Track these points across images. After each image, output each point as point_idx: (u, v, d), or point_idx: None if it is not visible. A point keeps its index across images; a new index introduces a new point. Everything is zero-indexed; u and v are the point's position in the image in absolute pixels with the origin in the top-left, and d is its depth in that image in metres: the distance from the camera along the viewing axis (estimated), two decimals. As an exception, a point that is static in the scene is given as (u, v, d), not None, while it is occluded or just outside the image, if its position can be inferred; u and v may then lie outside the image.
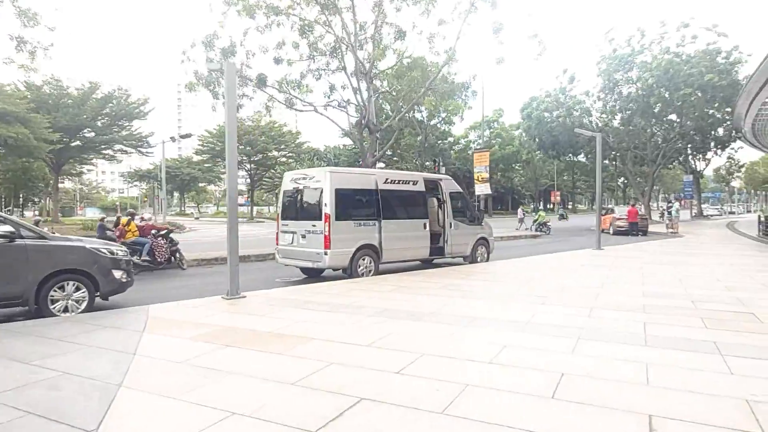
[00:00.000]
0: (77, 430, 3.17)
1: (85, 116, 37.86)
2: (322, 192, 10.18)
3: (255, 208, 66.26)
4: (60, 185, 70.44)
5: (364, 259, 10.53)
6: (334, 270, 10.73)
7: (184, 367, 4.39)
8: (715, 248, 17.39)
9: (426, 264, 12.72)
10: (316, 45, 21.31)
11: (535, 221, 27.86)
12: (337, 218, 10.05)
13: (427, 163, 58.83)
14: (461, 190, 13.14)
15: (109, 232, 13.09)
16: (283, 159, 61.24)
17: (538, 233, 26.45)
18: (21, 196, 66.53)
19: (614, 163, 51.36)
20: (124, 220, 12.90)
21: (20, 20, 16.32)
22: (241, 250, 16.60)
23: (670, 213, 27.29)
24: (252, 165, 59.63)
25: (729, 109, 32.23)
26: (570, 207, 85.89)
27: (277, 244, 11.29)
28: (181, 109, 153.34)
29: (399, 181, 11.56)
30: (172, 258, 13.04)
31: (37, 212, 65.44)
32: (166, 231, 13.48)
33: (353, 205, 10.52)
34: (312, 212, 10.42)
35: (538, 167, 73.61)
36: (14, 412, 3.41)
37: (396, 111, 23.85)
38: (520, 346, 5.07)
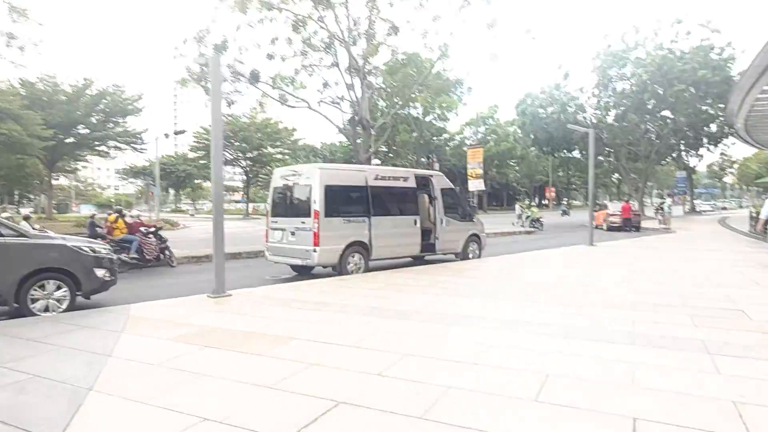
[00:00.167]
0: (40, 437, 3.05)
1: (78, 113, 37.51)
2: (311, 189, 10.05)
3: (251, 205, 65.92)
4: (55, 182, 69.99)
5: (353, 257, 10.41)
6: (324, 267, 10.61)
7: (158, 369, 4.28)
8: (706, 244, 17.37)
9: (417, 261, 12.62)
10: (310, 41, 21.14)
11: (527, 217, 27.78)
12: (327, 215, 9.93)
13: (423, 159, 58.71)
14: (453, 187, 13.04)
15: (99, 230, 12.94)
16: (279, 156, 60.92)
17: (532, 229, 26.39)
18: (16, 193, 65.95)
19: (609, 159, 51.39)
20: (111, 217, 12.75)
21: (10, 16, 16.11)
22: (232, 247, 16.61)
23: (662, 209, 27.26)
24: (247, 162, 59.38)
25: (722, 105, 32.25)
26: (565, 202, 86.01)
27: (267, 242, 11.16)
28: (177, 105, 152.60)
29: (389, 177, 11.44)
30: (161, 255, 12.88)
31: (31, 209, 65.04)
32: (154, 228, 13.32)
33: (343, 201, 10.40)
34: (301, 209, 10.29)
35: (533, 163, 73.54)
36: (-24, 418, 3.29)
37: (389, 107, 23.67)
38: (506, 345, 4.97)
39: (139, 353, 4.76)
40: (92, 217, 15.35)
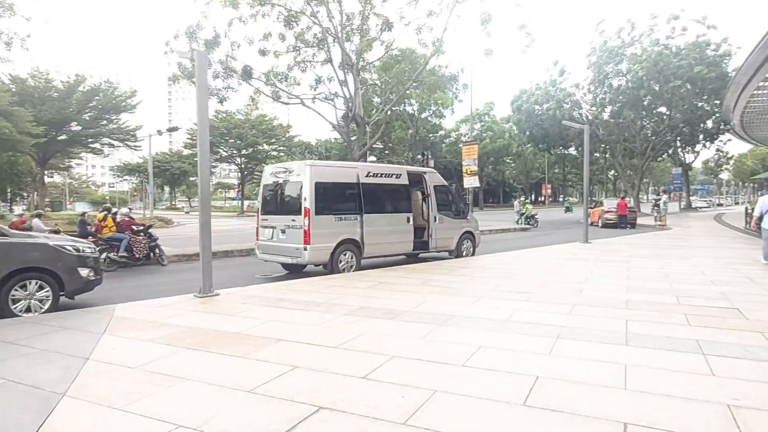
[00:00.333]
0: (4, 446, 2.92)
1: (71, 109, 37.17)
2: (301, 186, 9.91)
3: (246, 202, 65.68)
4: (49, 179, 69.49)
5: (345, 255, 10.28)
6: (316, 266, 10.48)
7: (136, 373, 4.14)
8: (702, 241, 17.31)
9: (411, 258, 12.51)
10: (303, 36, 20.93)
11: (522, 214, 27.69)
12: (317, 212, 9.79)
13: (419, 156, 58.58)
14: (446, 183, 12.91)
15: (89, 228, 12.77)
16: (274, 153, 60.67)
17: (527, 226, 26.31)
18: (8, 190, 65.49)
19: (605, 156, 51.35)
20: (100, 215, 12.57)
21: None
22: (224, 245, 16.49)
23: (658, 205, 27.21)
24: (243, 159, 59.13)
25: (718, 102, 32.22)
26: (568, 199, 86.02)
27: (257, 240, 11.02)
28: (172, 102, 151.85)
29: (382, 174, 11.30)
30: (152, 254, 12.73)
31: (24, 207, 64.59)
32: (144, 226, 13.16)
33: (334, 198, 10.26)
34: (292, 206, 10.15)
35: (529, 160, 73.51)
36: (-60, 426, 3.16)
37: (383, 103, 23.52)
38: (496, 346, 4.85)
39: (118, 356, 4.62)
40: (83, 215, 15.18)
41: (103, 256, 11.75)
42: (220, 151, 60.91)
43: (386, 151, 58.03)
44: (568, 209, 45.03)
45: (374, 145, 51.54)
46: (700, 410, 3.35)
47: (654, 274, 9.55)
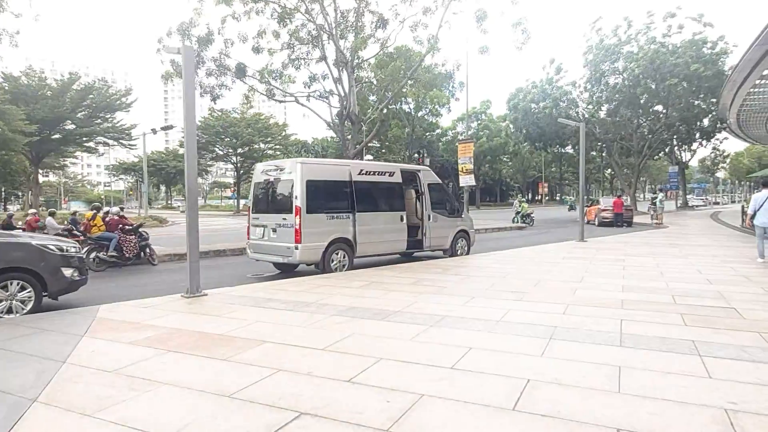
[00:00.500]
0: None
1: (64, 108, 36.91)
2: (292, 184, 9.76)
3: (242, 201, 65.50)
4: (44, 178, 69.06)
5: (337, 254, 10.13)
6: (308, 265, 10.34)
7: (113, 377, 3.99)
8: (698, 239, 17.23)
9: (405, 257, 12.37)
10: (297, 34, 20.76)
11: (518, 213, 27.57)
12: (309, 211, 9.64)
13: (416, 155, 58.44)
14: (440, 181, 12.77)
15: (75, 227, 12.61)
16: (270, 152, 60.46)
17: (523, 225, 26.20)
18: (2, 189, 65.06)
19: (601, 154, 51.31)
20: (88, 214, 12.40)
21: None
22: (217, 244, 16.32)
23: (654, 204, 27.14)
24: (238, 157, 58.90)
25: (714, 100, 32.14)
26: (572, 198, 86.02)
27: (249, 239, 10.87)
28: (168, 100, 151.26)
29: (375, 172, 11.15)
30: (142, 253, 12.56)
31: (19, 206, 64.14)
32: (134, 226, 12.99)
33: (326, 197, 10.10)
34: (283, 205, 10.00)
35: (525, 159, 73.48)
36: None
37: (379, 101, 23.36)
38: (487, 348, 4.72)
39: (97, 359, 4.47)
40: (74, 214, 15.07)
41: (93, 255, 11.61)
42: (216, 149, 60.72)
43: (383, 150, 57.87)
44: (571, 207, 44.92)
45: (371, 144, 51.43)
46: (697, 415, 3.22)
47: (650, 272, 9.44)
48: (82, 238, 11.85)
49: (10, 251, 6.62)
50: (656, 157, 49.67)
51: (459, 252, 12.75)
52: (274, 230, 10.03)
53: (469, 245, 13.17)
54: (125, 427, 3.09)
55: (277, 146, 61.76)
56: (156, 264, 12.72)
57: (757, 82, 19.21)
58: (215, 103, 21.97)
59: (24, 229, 12.23)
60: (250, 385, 3.76)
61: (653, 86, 33.92)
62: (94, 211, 12.38)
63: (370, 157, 52.37)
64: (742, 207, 24.52)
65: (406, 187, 11.90)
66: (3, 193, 66.52)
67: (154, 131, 36.39)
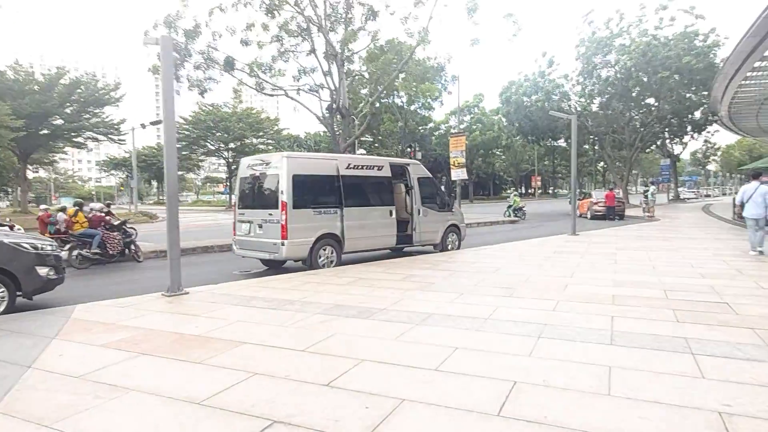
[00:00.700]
0: None
1: (52, 103, 36.28)
2: (278, 179, 9.54)
3: (234, 196, 65.10)
4: (34, 174, 68.13)
5: (325, 250, 9.94)
6: (295, 261, 10.14)
7: (79, 383, 3.78)
8: (690, 232, 17.16)
9: (396, 252, 12.19)
10: (287, 26, 20.44)
11: (509, 206, 27.46)
12: (295, 206, 9.43)
13: (408, 149, 58.18)
14: (430, 175, 12.57)
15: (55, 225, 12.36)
16: (262, 146, 60.02)
17: (515, 218, 26.10)
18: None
19: (594, 147, 51.29)
20: (71, 210, 12.11)
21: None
22: (205, 240, 16.06)
23: (646, 197, 27.10)
24: (230, 152, 58.42)
25: (706, 93, 32.12)
26: (552, 192, 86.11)
27: (235, 235, 10.65)
28: (159, 95, 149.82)
29: (363, 166, 10.94)
30: (127, 250, 12.31)
31: (8, 203, 63.36)
32: (119, 222, 12.72)
33: (312, 192, 9.89)
34: (269, 200, 9.78)
35: (518, 152, 73.32)
36: None
37: (369, 94, 23.12)
38: (473, 348, 4.55)
39: (64, 363, 4.26)
40: (62, 210, 14.74)
41: (75, 253, 11.35)
42: (208, 144, 60.23)
43: (375, 144, 57.55)
44: (571, 201, 44.81)
45: (364, 138, 51.13)
46: (689, 419, 3.07)
47: (642, 267, 9.31)
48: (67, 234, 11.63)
49: (-19, 250, 6.38)
50: (648, 150, 49.71)
51: (450, 247, 12.59)
52: (260, 226, 9.82)
53: (460, 240, 13.01)
54: (84, 439, 2.90)
55: (269, 141, 61.31)
56: (141, 261, 12.47)
57: (749, 74, 19.13)
58: (203, 97, 21.64)
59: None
60: (222, 391, 3.57)
61: (645, 79, 33.80)
62: (76, 208, 12.09)
63: (362, 151, 52.10)
64: (733, 200, 24.50)
65: (396, 181, 11.71)
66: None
67: (143, 126, 35.92)
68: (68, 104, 38.15)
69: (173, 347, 4.65)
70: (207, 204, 69.84)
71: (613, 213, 25.42)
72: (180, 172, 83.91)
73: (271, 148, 59.90)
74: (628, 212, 28.08)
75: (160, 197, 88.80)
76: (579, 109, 38.75)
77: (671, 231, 17.70)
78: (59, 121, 38.65)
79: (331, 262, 10.03)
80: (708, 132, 44.05)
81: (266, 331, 5.21)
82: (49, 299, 7.25)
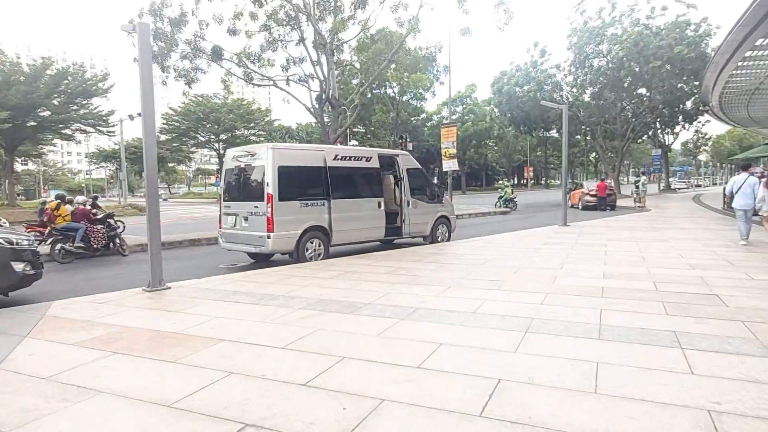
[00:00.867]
0: None
1: (38, 94, 35.63)
2: (264, 170, 9.35)
3: (224, 188, 64.52)
4: (23, 167, 67.21)
5: (312, 242, 9.78)
6: (283, 254, 9.98)
7: (46, 385, 3.62)
8: (680, 222, 17.15)
9: (385, 245, 12.06)
10: (276, 15, 20.11)
11: (500, 197, 27.38)
12: (281, 198, 9.25)
13: (399, 139, 57.92)
14: (420, 166, 12.41)
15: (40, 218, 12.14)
16: (254, 137, 59.54)
17: (507, 209, 26.04)
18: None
19: (586, 138, 51.25)
20: (52, 204, 11.87)
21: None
22: (192, 233, 15.86)
23: (638, 187, 27.10)
24: (221, 144, 57.93)
25: (697, 83, 32.10)
26: (544, 182, 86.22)
27: (220, 228, 10.47)
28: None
29: (350, 157, 10.76)
30: (111, 244, 12.09)
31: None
32: (104, 215, 12.49)
33: (299, 183, 9.71)
34: (254, 192, 9.59)
35: (510, 143, 73.31)
36: None
37: (360, 84, 22.86)
38: (458, 344, 4.42)
39: (33, 364, 4.09)
40: (43, 203, 14.50)
41: (58, 247, 11.13)
42: (198, 136, 59.68)
43: (367, 135, 57.22)
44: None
45: (355, 129, 50.82)
46: (678, 417, 2.96)
47: (632, 258, 9.24)
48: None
49: (-47, 245, 6.18)
50: (640, 140, 49.76)
51: (440, 239, 12.47)
52: (246, 219, 9.65)
53: (450, 231, 12.90)
54: (43, 446, 2.75)
55: (261, 132, 60.83)
56: (126, 255, 12.26)
57: (740, 64, 19.09)
58: (191, 88, 21.28)
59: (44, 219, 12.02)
60: (194, 392, 3.43)
61: (637, 69, 33.70)
62: (58, 201, 11.85)
63: (355, 142, 51.81)
64: (724, 189, 24.58)
65: (385, 172, 11.55)
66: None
67: (131, 117, 35.44)
68: (55, 95, 37.52)
69: (149, 345, 4.50)
70: (198, 196, 69.38)
71: (605, 203, 25.43)
72: (171, 164, 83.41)
73: (262, 139, 59.46)
74: (620, 202, 28.11)
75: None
76: (571, 99, 38.63)
77: (662, 221, 17.69)
78: (46, 113, 38.00)
79: (319, 255, 9.88)
80: (699, 122, 44.22)
81: (246, 327, 5.06)
82: (27, 295, 7.06)
